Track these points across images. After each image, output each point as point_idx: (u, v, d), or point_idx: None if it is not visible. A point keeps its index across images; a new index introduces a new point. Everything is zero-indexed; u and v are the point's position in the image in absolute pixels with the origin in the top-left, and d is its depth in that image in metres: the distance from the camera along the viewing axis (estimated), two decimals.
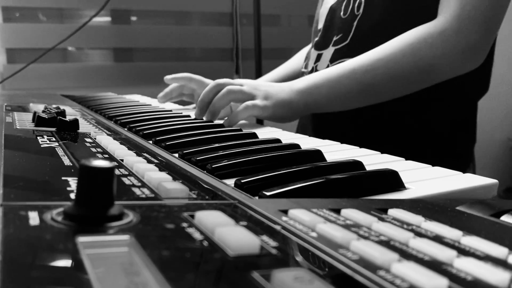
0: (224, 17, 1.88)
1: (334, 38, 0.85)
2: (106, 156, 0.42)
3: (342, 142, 0.55)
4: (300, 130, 0.97)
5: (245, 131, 0.60)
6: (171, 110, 0.82)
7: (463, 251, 0.22)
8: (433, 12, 0.74)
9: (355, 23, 0.82)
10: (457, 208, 0.31)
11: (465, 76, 0.75)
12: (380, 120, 0.80)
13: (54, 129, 0.56)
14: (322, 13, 0.92)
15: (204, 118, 0.72)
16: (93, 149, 0.45)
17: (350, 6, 0.83)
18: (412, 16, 0.77)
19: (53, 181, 0.32)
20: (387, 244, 0.23)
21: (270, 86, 0.73)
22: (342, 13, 0.85)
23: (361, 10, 0.81)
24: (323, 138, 0.59)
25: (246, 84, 0.73)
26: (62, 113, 0.61)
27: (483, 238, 0.24)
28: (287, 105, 0.71)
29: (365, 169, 0.39)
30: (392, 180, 0.36)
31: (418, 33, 0.71)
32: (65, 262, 0.20)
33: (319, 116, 0.87)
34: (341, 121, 0.84)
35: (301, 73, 0.98)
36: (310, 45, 1.10)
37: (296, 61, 1.09)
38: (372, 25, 0.80)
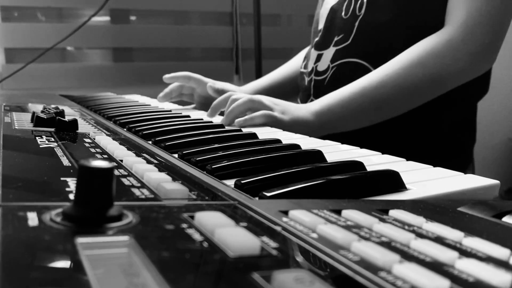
0: (224, 17, 1.88)
1: (335, 39, 0.85)
2: (105, 156, 0.42)
3: (343, 143, 0.55)
4: None
5: (245, 131, 0.60)
6: (170, 110, 0.82)
7: (465, 252, 0.22)
8: (435, 12, 0.74)
9: (356, 23, 0.82)
10: (459, 209, 0.30)
11: None
12: (382, 123, 0.80)
13: (53, 129, 0.55)
14: (323, 13, 0.92)
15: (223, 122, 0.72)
16: (92, 150, 0.44)
17: (352, 7, 0.83)
18: (415, 16, 0.77)
19: (52, 182, 0.31)
20: (388, 245, 0.23)
21: (287, 104, 0.74)
22: (343, 13, 0.85)
23: (363, 11, 0.81)
24: (324, 138, 0.58)
25: (263, 97, 0.73)
26: (61, 113, 0.61)
27: (485, 239, 0.24)
28: (303, 123, 0.72)
29: (366, 169, 0.39)
30: (393, 181, 0.36)
31: (426, 45, 0.71)
32: (64, 263, 0.19)
33: None
34: None
35: (300, 73, 0.98)
36: (309, 47, 1.10)
37: (295, 62, 1.09)
38: (374, 26, 0.80)
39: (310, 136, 0.73)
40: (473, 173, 0.85)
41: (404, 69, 0.71)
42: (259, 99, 0.72)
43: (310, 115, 0.73)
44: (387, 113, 0.75)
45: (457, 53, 0.70)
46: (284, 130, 0.70)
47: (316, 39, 0.92)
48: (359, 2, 0.82)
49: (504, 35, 0.73)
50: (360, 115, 0.74)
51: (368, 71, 0.77)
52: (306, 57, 0.96)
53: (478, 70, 0.73)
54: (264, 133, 0.63)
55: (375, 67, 0.76)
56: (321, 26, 0.91)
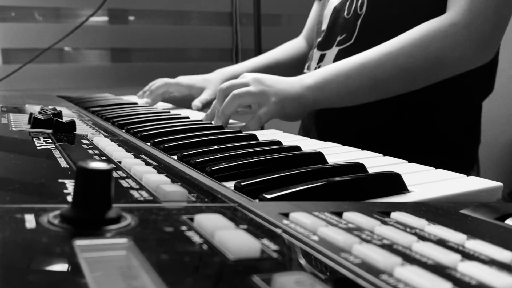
0: (223, 17, 1.88)
1: (338, 38, 0.85)
2: (104, 158, 0.42)
3: (345, 145, 0.55)
4: (302, 132, 0.97)
5: (245, 132, 0.60)
6: (169, 112, 0.82)
7: (467, 255, 0.22)
8: (437, 9, 0.73)
9: (358, 23, 0.81)
10: (461, 211, 0.30)
11: (470, 77, 0.74)
12: (384, 123, 0.80)
13: (50, 130, 0.55)
14: (326, 14, 0.92)
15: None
16: (91, 151, 0.44)
17: (353, 6, 0.83)
18: (417, 13, 0.77)
19: (50, 184, 0.31)
20: (390, 247, 0.23)
21: (278, 82, 0.71)
22: (345, 13, 0.85)
23: (364, 9, 0.81)
24: (326, 140, 0.58)
25: (251, 81, 0.70)
26: (59, 114, 0.61)
27: (488, 242, 0.24)
28: (296, 100, 0.70)
29: (367, 171, 0.39)
30: (394, 183, 0.35)
31: (428, 27, 0.70)
32: (62, 266, 0.19)
33: (322, 118, 0.87)
34: (345, 124, 0.83)
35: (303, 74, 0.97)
36: (294, 40, 1.11)
37: (278, 51, 1.09)
38: (376, 24, 0.80)
39: (303, 111, 0.72)
40: (478, 174, 0.84)
41: (404, 49, 0.70)
42: (246, 92, 0.69)
43: (304, 90, 0.71)
44: (383, 92, 0.74)
45: (459, 37, 0.69)
46: (277, 112, 0.69)
47: (319, 39, 0.91)
48: (360, 0, 0.82)
49: (505, 28, 0.72)
50: (356, 92, 0.72)
51: None
52: (309, 58, 0.96)
53: (478, 59, 0.72)
54: (264, 134, 0.63)
55: None
56: (324, 26, 0.91)
